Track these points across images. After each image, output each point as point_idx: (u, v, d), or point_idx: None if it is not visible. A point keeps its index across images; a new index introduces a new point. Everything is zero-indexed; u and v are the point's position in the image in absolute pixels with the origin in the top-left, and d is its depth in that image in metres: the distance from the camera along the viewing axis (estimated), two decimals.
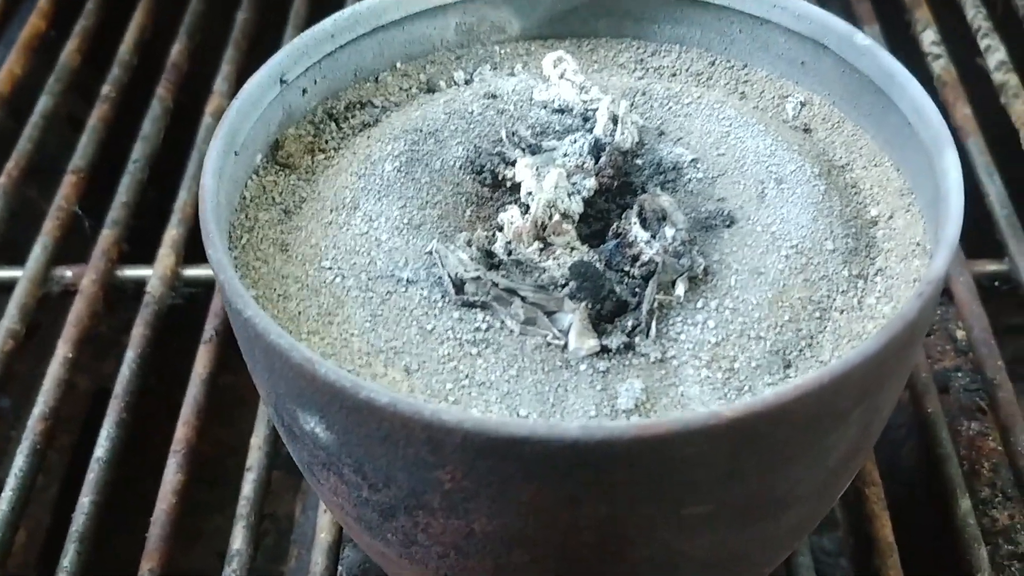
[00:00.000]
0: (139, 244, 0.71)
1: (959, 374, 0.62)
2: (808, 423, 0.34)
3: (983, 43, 0.78)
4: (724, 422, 0.32)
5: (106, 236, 0.67)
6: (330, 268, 0.42)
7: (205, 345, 0.62)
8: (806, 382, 0.33)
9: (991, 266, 0.65)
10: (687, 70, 0.51)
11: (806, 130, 0.48)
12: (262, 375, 0.38)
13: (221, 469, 0.72)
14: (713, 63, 0.51)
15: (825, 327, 0.40)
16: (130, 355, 0.61)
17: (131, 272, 0.67)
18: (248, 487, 0.55)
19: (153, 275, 0.65)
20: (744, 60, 0.51)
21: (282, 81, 0.46)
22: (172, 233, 0.68)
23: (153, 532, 0.54)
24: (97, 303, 0.64)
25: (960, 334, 0.64)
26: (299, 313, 0.41)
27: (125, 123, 0.77)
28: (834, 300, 0.41)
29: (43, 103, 0.76)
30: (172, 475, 0.56)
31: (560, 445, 0.32)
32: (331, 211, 0.44)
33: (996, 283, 0.65)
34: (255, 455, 0.57)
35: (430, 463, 0.34)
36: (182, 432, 0.57)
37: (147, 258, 0.67)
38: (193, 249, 0.69)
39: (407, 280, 0.41)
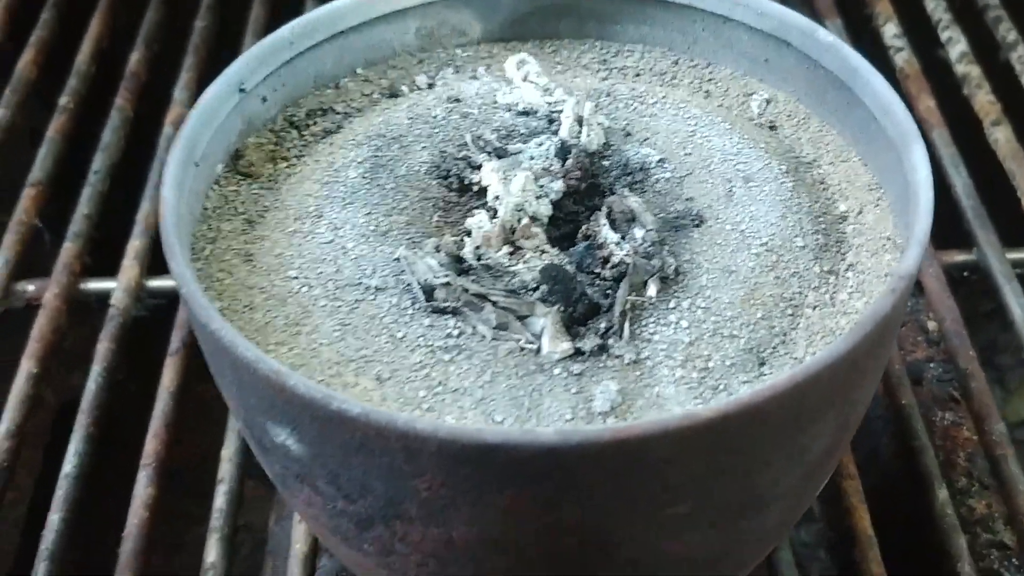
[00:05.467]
0: (103, 256, 0.70)
1: (932, 365, 0.62)
2: (783, 422, 0.34)
3: (944, 35, 0.78)
4: (700, 423, 0.32)
5: (68, 249, 0.66)
6: (296, 278, 0.41)
7: (172, 357, 0.61)
8: (779, 383, 0.32)
9: (960, 256, 0.65)
10: (651, 70, 0.51)
11: (772, 127, 0.48)
12: (230, 389, 0.38)
13: (198, 479, 0.71)
14: (677, 62, 0.51)
15: (798, 324, 0.40)
16: (96, 369, 0.60)
17: (95, 285, 0.66)
18: (220, 499, 0.55)
19: (117, 287, 0.64)
20: (708, 59, 0.50)
21: (241, 90, 0.45)
22: (135, 244, 0.67)
23: (125, 547, 0.53)
24: (61, 317, 0.63)
25: (932, 325, 0.64)
26: (266, 324, 0.40)
27: (85, 134, 0.76)
28: (806, 296, 0.41)
29: (0, 116, 0.75)
30: (143, 489, 0.55)
31: (537, 451, 0.32)
32: (295, 220, 0.43)
33: (965, 273, 0.65)
34: (226, 467, 0.56)
35: (406, 472, 0.33)
36: (151, 446, 0.57)
37: (111, 270, 0.66)
38: (157, 260, 0.68)
39: (375, 288, 0.40)
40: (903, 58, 0.76)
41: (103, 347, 0.61)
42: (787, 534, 0.48)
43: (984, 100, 0.72)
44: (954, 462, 0.57)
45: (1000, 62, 0.77)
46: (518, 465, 0.32)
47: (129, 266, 0.66)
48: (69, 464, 0.56)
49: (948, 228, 0.68)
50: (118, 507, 0.56)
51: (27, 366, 0.60)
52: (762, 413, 0.33)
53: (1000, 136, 0.70)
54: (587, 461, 0.32)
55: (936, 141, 0.70)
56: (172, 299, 0.66)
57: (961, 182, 0.67)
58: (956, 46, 0.76)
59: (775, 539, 0.40)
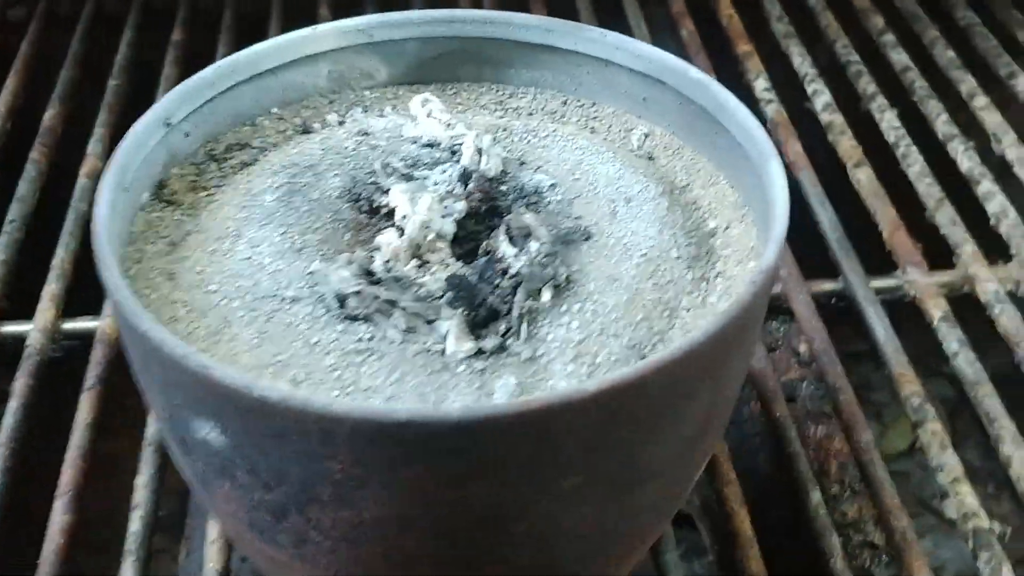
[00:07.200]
0: (15, 302, 0.72)
1: (804, 384, 0.68)
2: (662, 396, 0.38)
3: (810, 88, 0.85)
4: (589, 395, 0.36)
5: None
6: (216, 291, 0.44)
7: (87, 392, 0.63)
8: (659, 358, 0.37)
9: (827, 285, 0.71)
10: (543, 109, 0.56)
11: (650, 158, 0.53)
12: (156, 388, 0.40)
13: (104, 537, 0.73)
14: (565, 102, 0.56)
15: (674, 324, 0.45)
16: (13, 405, 0.62)
17: (11, 328, 0.68)
18: (136, 524, 0.57)
19: (33, 329, 0.66)
20: (593, 99, 0.55)
21: (167, 124, 0.49)
22: (51, 288, 0.69)
23: (41, 571, 0.54)
24: None
25: (803, 348, 0.70)
26: (188, 334, 0.43)
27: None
28: (681, 300, 0.46)
29: None
30: (59, 516, 0.56)
31: (444, 426, 0.36)
32: (215, 240, 0.47)
33: (832, 300, 0.71)
34: (141, 493, 0.58)
35: (321, 454, 0.37)
36: (68, 475, 0.58)
37: (25, 315, 0.68)
38: (71, 304, 0.71)
39: (291, 299, 0.44)
40: (773, 109, 0.83)
41: (20, 383, 0.63)
42: (668, 522, 0.51)
43: (847, 145, 0.79)
44: (827, 471, 0.62)
45: (861, 112, 0.84)
46: (427, 441, 0.36)
47: (45, 308, 0.68)
48: None
49: (816, 260, 0.74)
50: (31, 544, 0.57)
51: None
52: (643, 387, 0.37)
53: (862, 176, 0.77)
54: (491, 434, 0.36)
55: (804, 181, 0.77)
56: (85, 341, 0.68)
57: (827, 217, 0.74)
58: (821, 97, 0.84)
59: (657, 522, 0.44)
